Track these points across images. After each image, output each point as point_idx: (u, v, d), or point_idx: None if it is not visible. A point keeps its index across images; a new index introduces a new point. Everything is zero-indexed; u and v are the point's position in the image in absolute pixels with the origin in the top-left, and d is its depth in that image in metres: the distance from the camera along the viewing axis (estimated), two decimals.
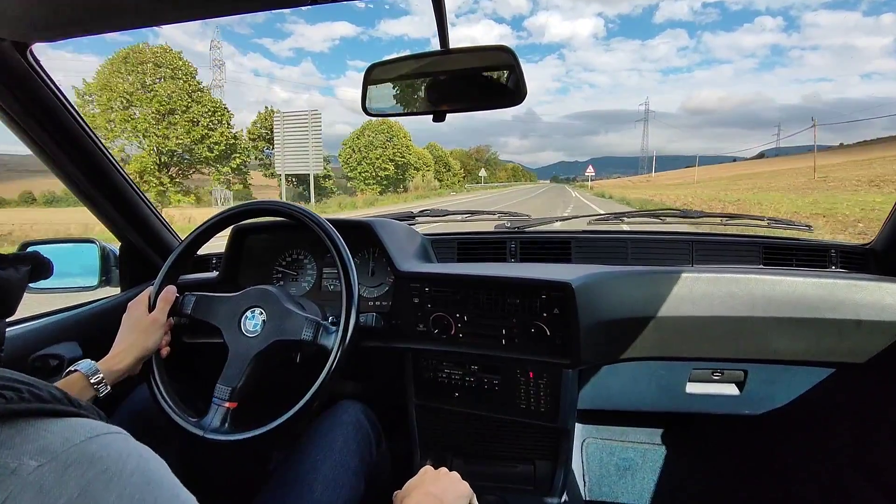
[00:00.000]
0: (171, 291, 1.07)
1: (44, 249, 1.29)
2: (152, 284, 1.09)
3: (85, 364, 0.90)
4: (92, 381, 0.88)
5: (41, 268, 0.91)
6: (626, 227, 1.67)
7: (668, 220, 1.62)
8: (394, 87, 0.96)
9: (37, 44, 0.92)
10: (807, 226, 1.51)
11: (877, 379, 1.25)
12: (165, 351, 1.06)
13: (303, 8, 0.76)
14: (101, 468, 0.40)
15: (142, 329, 1.01)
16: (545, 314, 1.19)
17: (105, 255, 1.39)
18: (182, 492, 0.47)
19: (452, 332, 1.27)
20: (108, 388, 0.91)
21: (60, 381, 0.88)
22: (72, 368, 0.89)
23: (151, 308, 1.05)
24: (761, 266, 1.39)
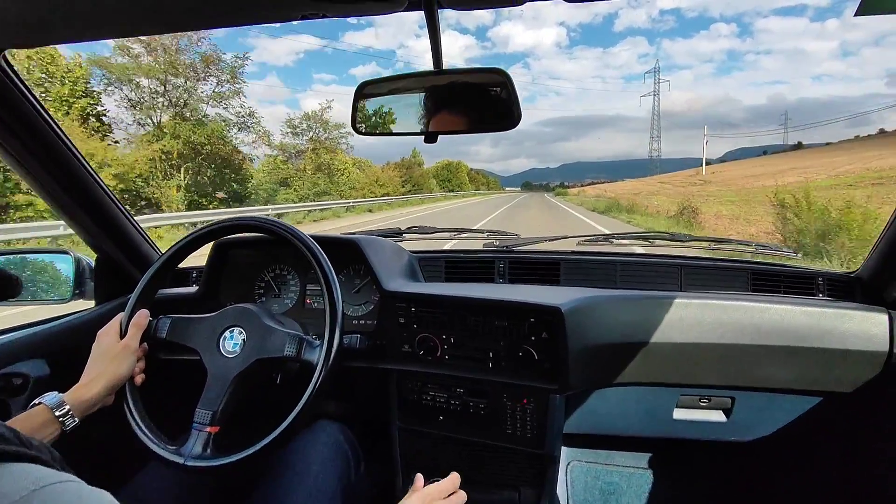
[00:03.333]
0: (143, 316, 1.02)
1: (14, 260, 1.25)
2: (126, 306, 1.04)
3: (49, 396, 0.85)
4: (56, 413, 0.83)
5: (7, 284, 0.87)
6: (614, 249, 1.66)
7: (657, 242, 1.62)
8: (385, 107, 0.94)
9: (11, 49, 0.88)
10: (794, 252, 1.51)
11: (864, 409, 1.25)
12: (140, 378, 1.01)
13: (293, 22, 0.74)
14: None
15: (112, 356, 0.96)
16: (533, 338, 1.17)
17: (80, 267, 1.34)
18: None
19: (438, 353, 1.24)
20: (76, 420, 0.86)
21: (21, 414, 0.82)
22: (36, 401, 0.84)
23: (123, 334, 1.00)
24: (749, 292, 1.38)
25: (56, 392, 0.87)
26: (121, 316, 1.03)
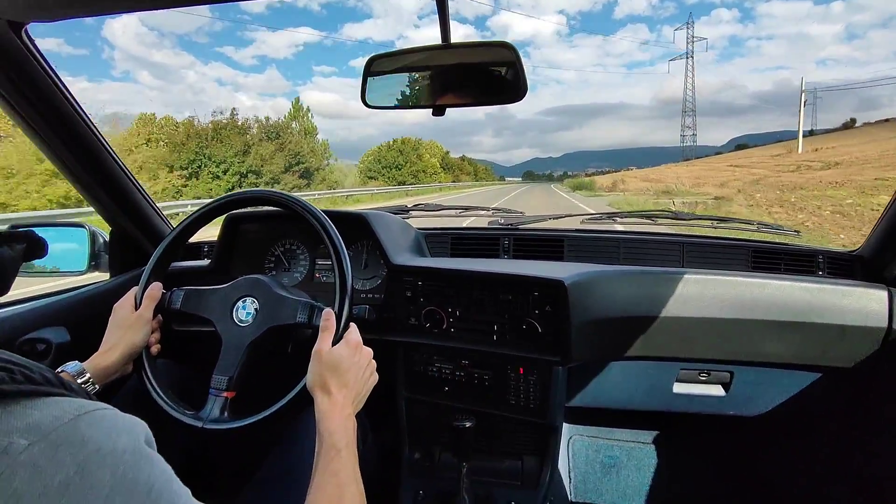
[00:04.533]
0: (156, 288, 1.05)
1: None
2: (141, 278, 1.07)
3: (71, 365, 0.89)
4: (78, 381, 0.87)
5: (35, 247, 0.90)
6: (618, 227, 1.68)
7: (660, 221, 1.63)
8: (394, 80, 0.96)
9: (33, 23, 0.90)
10: (795, 231, 1.53)
11: (863, 385, 1.27)
12: (156, 349, 1.04)
13: None
14: (93, 447, 0.41)
15: (127, 326, 0.99)
16: (537, 311, 1.20)
17: (95, 239, 1.38)
18: (167, 466, 0.48)
19: (444, 326, 1.27)
20: (97, 387, 0.90)
21: None
22: (59, 370, 0.88)
23: (137, 306, 1.03)
24: (750, 270, 1.40)
25: (77, 361, 0.90)
26: (135, 289, 1.06)
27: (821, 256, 1.39)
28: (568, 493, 1.73)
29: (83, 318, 1.26)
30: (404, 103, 0.95)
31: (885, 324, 1.18)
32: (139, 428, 0.48)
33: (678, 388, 1.41)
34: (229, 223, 1.39)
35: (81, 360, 0.91)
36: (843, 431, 1.38)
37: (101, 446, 0.42)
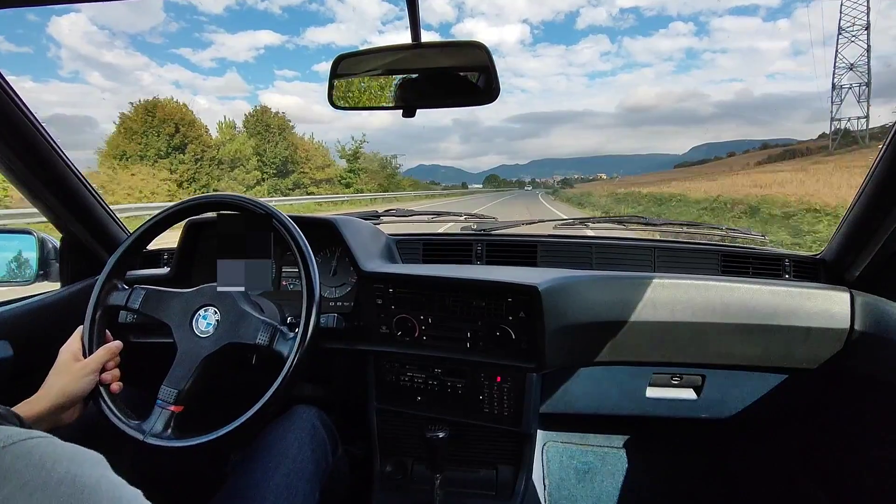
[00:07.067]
0: (116, 345, 0.97)
1: None
2: (94, 287, 1.00)
3: None
4: None
5: None
6: (590, 233, 1.68)
7: (632, 226, 1.64)
8: (362, 81, 0.93)
9: None
10: (762, 235, 1.56)
11: (827, 385, 1.30)
12: (116, 386, 0.95)
13: None
14: (18, 483, 0.36)
15: (64, 372, 0.90)
16: (511, 317, 1.18)
17: (44, 246, 1.29)
18: (125, 490, 0.42)
19: (416, 334, 1.24)
20: None
21: None
22: None
23: (84, 347, 0.94)
24: (720, 274, 1.42)
25: (6, 406, 0.82)
26: (80, 330, 0.97)
27: (787, 260, 1.42)
28: (543, 501, 1.71)
29: (29, 332, 1.18)
30: (373, 104, 0.92)
31: (846, 325, 1.20)
32: (83, 456, 0.42)
33: (651, 392, 1.42)
34: (190, 229, 1.33)
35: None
36: (810, 431, 1.40)
37: (28, 481, 0.37)
